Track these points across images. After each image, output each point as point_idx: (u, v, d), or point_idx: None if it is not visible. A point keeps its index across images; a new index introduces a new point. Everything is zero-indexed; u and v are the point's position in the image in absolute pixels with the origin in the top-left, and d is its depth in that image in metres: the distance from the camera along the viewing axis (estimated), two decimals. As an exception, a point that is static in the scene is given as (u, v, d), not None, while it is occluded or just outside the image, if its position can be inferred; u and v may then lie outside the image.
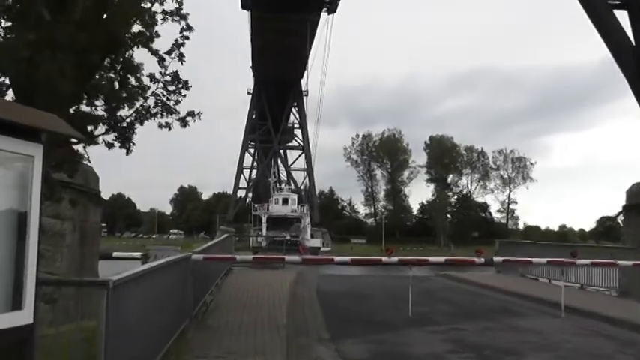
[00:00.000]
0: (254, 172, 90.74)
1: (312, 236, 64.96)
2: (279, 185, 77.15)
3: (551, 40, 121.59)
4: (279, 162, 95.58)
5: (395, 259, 10.19)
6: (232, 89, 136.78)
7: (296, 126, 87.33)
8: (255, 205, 68.25)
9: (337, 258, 11.19)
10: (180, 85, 8.45)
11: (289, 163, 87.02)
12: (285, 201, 65.92)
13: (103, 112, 8.01)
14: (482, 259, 10.41)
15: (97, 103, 7.96)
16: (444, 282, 17.28)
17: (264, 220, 63.71)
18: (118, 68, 8.09)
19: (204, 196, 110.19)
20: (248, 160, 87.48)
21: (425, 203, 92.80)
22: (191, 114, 8.61)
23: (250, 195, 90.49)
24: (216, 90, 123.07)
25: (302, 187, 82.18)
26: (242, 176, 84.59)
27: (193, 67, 9.69)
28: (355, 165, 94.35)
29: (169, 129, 8.56)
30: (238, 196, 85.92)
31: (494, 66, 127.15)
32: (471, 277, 17.34)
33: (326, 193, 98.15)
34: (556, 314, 10.49)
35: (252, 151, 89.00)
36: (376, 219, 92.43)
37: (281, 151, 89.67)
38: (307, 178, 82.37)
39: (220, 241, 14.71)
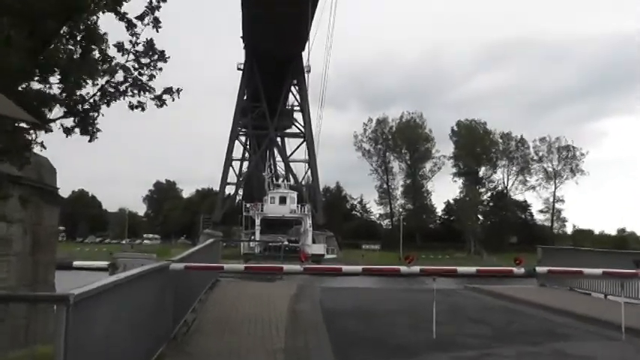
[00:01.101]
0: (245, 164, 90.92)
1: (314, 241, 65.33)
2: (276, 180, 77.19)
3: (607, 2, 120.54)
4: (275, 152, 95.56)
5: (416, 268, 10.11)
6: (219, 63, 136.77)
7: (296, 108, 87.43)
8: (247, 205, 68.61)
9: (346, 267, 11.14)
10: (155, 57, 8.38)
11: (288, 153, 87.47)
12: (282, 199, 66.27)
13: (60, 91, 7.94)
14: (522, 270, 10.32)
15: (51, 79, 7.90)
16: (475, 297, 17.21)
17: (257, 222, 64.06)
18: (79, 37, 8.02)
19: (185, 194, 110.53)
20: (238, 150, 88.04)
21: (451, 202, 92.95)
22: (169, 91, 8.55)
23: (241, 192, 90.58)
24: (200, 64, 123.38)
25: (303, 183, 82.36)
26: (231, 169, 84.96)
27: (171, 36, 9.62)
28: (367, 156, 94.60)
29: (142, 110, 8.49)
30: (226, 193, 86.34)
31: (536, 35, 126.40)
32: (509, 291, 17.28)
33: (332, 189, 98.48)
34: (614, 337, 10.38)
35: (243, 138, 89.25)
36: (393, 220, 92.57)
37: (278, 139, 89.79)
38: (309, 172, 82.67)
39: (205, 248, 14.70)
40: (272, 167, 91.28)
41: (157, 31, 8.22)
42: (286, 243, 53.66)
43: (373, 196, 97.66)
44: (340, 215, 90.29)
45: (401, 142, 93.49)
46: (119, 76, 8.31)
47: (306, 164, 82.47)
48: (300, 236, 65.03)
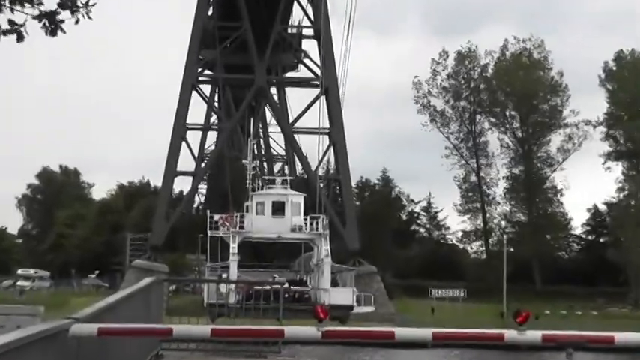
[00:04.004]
0: (211, 137, 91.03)
1: (336, 282, 65.28)
2: (268, 171, 75.77)
3: None
4: (267, 114, 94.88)
5: (534, 334, 10.10)
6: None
7: (306, 33, 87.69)
8: (216, 217, 68.65)
9: (402, 331, 11.13)
10: None
11: (290, 118, 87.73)
12: (278, 207, 66.06)
13: None
14: None
15: None
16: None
17: (233, 247, 64.08)
18: None
19: (98, 192, 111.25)
20: (198, 112, 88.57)
21: (601, 208, 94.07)
22: (69, 5, 8.54)
23: (204, 191, 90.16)
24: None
25: (319, 173, 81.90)
26: (184, 147, 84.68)
27: None
28: (440, 121, 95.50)
29: (19, 38, 8.51)
30: (176, 192, 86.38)
31: None
32: None
33: (373, 185, 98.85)
34: None
35: (207, 89, 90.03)
36: (488, 244, 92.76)
37: (273, 90, 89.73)
38: (330, 152, 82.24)
39: (136, 294, 14.81)
40: (260, 144, 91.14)
41: None
42: (287, 285, 53.63)
43: (451, 196, 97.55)
44: (388, 234, 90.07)
45: (504, 95, 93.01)
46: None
47: (324, 138, 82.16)
48: (312, 273, 64.76)
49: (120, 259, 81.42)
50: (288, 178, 73.14)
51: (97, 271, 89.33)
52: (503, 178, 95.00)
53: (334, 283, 64.49)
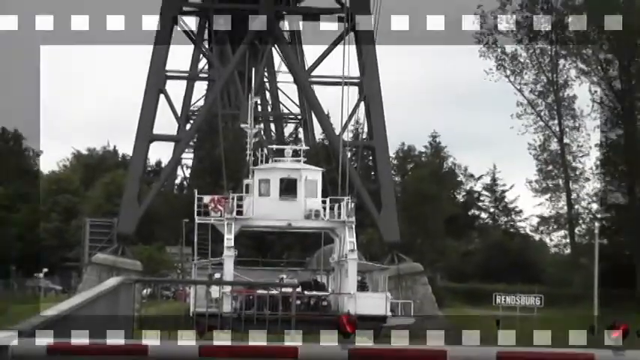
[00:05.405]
0: (200, 89, 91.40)
1: (364, 285, 65.40)
2: (275, 137, 75.48)
3: None
4: (276, 58, 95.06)
5: (635, 355, 10.22)
6: None
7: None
8: (205, 198, 69.02)
9: (455, 350, 11.31)
10: None
11: (306, 63, 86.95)
12: (289, 185, 66.11)
13: None
14: None
15: None
16: None
17: (229, 237, 64.36)
18: None
19: (46, 164, 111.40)
20: (182, 55, 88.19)
21: None
22: None
23: (189, 162, 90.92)
24: None
25: (345, 138, 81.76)
26: (163, 102, 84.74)
27: None
28: (510, 67, 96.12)
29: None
30: (152, 162, 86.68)
31: None
32: None
33: (419, 154, 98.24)
34: None
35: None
36: (573, 237, 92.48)
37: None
38: (360, 111, 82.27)
39: (97, 300, 14.93)
40: (265, 99, 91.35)
41: None
42: (299, 289, 53.96)
43: (524, 170, 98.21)
44: (438, 220, 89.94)
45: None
46: None
47: (352, 90, 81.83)
48: (333, 274, 64.91)
49: (76, 253, 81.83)
50: (302, 147, 72.85)
51: (45, 270, 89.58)
52: (595, 145, 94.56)
53: (362, 286, 64.53)
